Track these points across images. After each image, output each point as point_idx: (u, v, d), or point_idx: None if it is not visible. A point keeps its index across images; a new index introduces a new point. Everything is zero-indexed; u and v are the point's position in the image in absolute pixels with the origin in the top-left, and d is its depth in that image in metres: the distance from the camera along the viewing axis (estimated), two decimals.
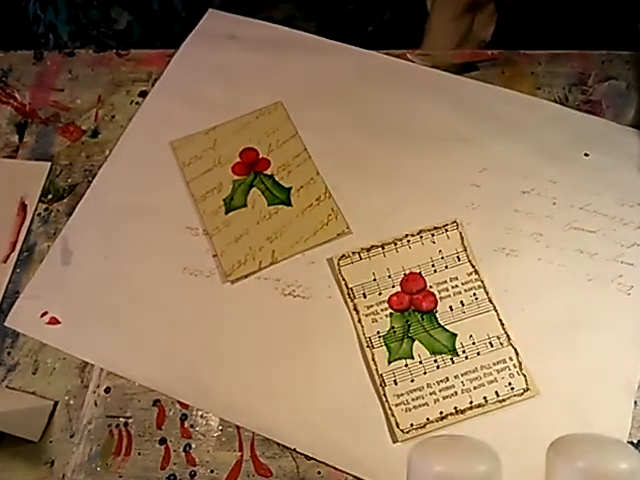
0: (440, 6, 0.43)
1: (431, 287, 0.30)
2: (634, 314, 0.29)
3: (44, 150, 0.37)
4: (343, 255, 0.31)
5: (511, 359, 0.28)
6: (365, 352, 0.29)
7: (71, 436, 0.29)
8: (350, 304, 0.30)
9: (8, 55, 0.41)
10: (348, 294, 0.30)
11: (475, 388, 0.28)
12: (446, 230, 0.31)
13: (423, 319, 0.29)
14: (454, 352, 0.29)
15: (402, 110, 0.36)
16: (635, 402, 0.27)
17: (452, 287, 0.30)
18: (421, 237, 0.31)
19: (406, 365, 0.28)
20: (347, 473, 0.27)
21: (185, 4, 0.43)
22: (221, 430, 0.29)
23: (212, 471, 0.28)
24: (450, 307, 0.30)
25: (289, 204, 0.33)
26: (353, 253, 0.31)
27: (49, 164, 0.37)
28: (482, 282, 0.30)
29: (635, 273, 0.30)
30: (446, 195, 0.33)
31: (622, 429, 0.27)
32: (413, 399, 0.28)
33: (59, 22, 0.45)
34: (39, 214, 0.35)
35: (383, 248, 0.31)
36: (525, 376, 0.28)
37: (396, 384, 0.28)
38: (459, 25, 0.42)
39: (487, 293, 0.30)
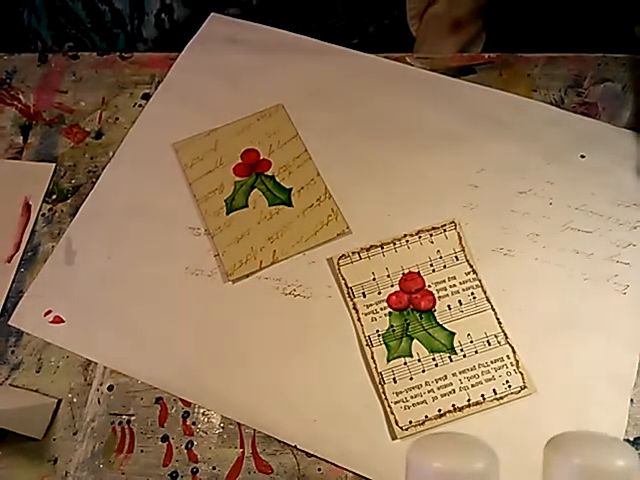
0: (424, 29, 0.43)
1: (429, 286, 0.30)
2: (630, 313, 0.29)
3: (48, 151, 0.38)
4: (343, 255, 0.31)
5: (508, 357, 0.29)
6: (364, 350, 0.29)
7: (74, 434, 0.29)
8: (350, 303, 0.30)
9: (12, 57, 0.42)
10: (348, 293, 0.31)
11: (473, 386, 0.28)
12: (444, 230, 0.32)
13: (422, 318, 0.30)
14: (452, 350, 0.29)
15: (401, 112, 0.36)
16: (631, 400, 0.28)
17: (450, 286, 0.30)
18: (420, 237, 0.32)
19: (405, 363, 0.29)
20: (347, 470, 0.27)
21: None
22: (222, 427, 0.29)
23: (214, 468, 0.28)
24: (448, 306, 0.30)
25: (290, 204, 0.34)
26: (353, 253, 0.31)
27: (53, 165, 0.37)
28: (480, 281, 0.30)
29: (631, 273, 0.30)
30: (445, 195, 0.33)
31: (618, 427, 0.27)
32: (412, 397, 0.28)
33: (41, 28, 0.46)
34: (43, 214, 0.36)
35: (382, 248, 0.31)
36: (522, 374, 0.28)
37: (395, 382, 0.28)
38: (445, 47, 0.42)
39: (485, 292, 0.30)
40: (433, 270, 0.31)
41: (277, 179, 0.35)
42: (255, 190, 0.34)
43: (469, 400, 0.28)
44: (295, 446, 0.28)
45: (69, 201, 0.36)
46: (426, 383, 0.28)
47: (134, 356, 0.30)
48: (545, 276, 0.30)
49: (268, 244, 0.32)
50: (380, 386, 0.28)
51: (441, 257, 0.31)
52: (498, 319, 0.29)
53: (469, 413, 0.28)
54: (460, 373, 0.28)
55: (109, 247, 0.34)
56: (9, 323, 0.32)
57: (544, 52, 0.37)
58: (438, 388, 0.28)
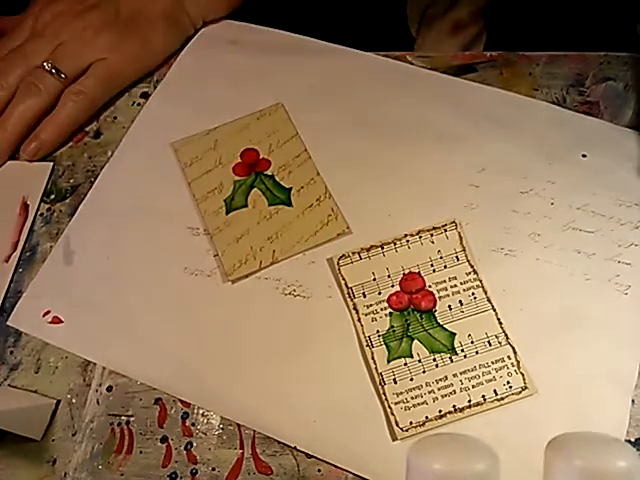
0: (424, 31, 0.43)
1: (430, 287, 0.30)
2: (631, 313, 0.29)
3: None
4: (343, 255, 0.31)
5: (509, 358, 0.29)
6: (365, 351, 0.29)
7: (73, 434, 0.29)
8: (350, 303, 0.30)
9: None
10: (348, 294, 0.30)
11: (474, 387, 0.28)
12: (445, 230, 0.32)
13: (422, 318, 0.30)
14: (453, 351, 0.29)
15: (402, 111, 0.36)
16: (632, 400, 0.28)
17: (451, 287, 0.30)
18: (420, 237, 0.31)
19: (405, 364, 0.29)
20: (347, 471, 0.27)
21: None
22: (222, 428, 0.29)
23: (213, 469, 0.28)
24: (449, 306, 0.30)
25: (289, 204, 0.34)
26: (353, 253, 0.31)
27: (51, 164, 0.37)
28: (481, 282, 0.30)
29: (632, 273, 0.30)
30: (445, 195, 0.33)
31: (619, 427, 0.27)
32: (412, 397, 0.28)
33: None
34: (41, 214, 0.35)
35: (382, 248, 0.31)
36: (523, 375, 0.28)
37: (395, 383, 0.28)
38: (446, 48, 0.42)
39: (485, 292, 0.30)
40: (434, 270, 0.31)
41: (277, 179, 0.34)
42: (255, 190, 0.34)
43: (470, 401, 0.28)
44: (295, 447, 0.28)
45: (67, 201, 0.36)
46: (426, 384, 0.28)
47: (133, 356, 0.30)
48: (546, 276, 0.30)
49: (268, 244, 0.32)
50: (380, 387, 0.28)
51: (442, 257, 0.31)
52: (499, 319, 0.29)
53: (470, 414, 0.27)
54: (461, 374, 0.28)
55: (108, 247, 0.34)
56: (7, 323, 0.32)
57: (546, 51, 0.37)
58: (439, 389, 0.28)
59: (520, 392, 0.28)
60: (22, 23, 0.38)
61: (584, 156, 0.34)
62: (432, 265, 0.31)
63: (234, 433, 0.29)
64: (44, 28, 0.37)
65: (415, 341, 0.29)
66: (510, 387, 0.28)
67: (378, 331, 0.29)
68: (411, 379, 0.28)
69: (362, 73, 0.37)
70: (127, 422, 0.29)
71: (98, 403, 0.30)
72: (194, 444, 0.29)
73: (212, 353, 0.30)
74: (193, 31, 0.40)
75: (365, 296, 0.30)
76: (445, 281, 0.30)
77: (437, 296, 0.30)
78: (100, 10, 0.37)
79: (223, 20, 0.41)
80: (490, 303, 0.30)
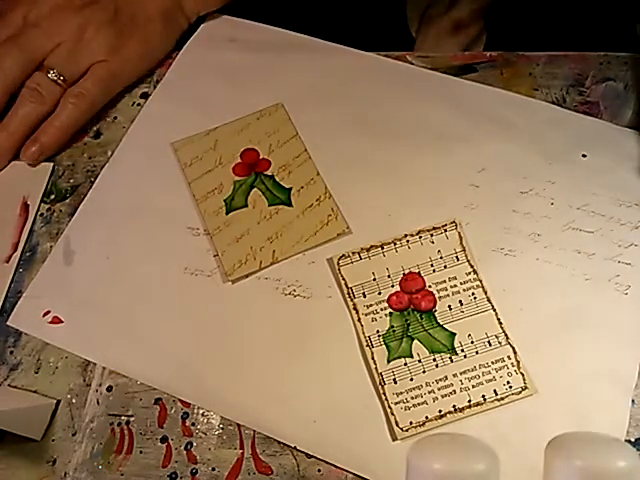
0: (424, 31, 0.43)
1: (430, 287, 0.30)
2: (631, 313, 0.29)
3: None
4: (343, 255, 0.31)
5: (509, 358, 0.29)
6: (365, 351, 0.29)
7: (73, 434, 0.29)
8: (350, 303, 0.30)
9: None
10: (348, 294, 0.30)
11: (474, 387, 0.28)
12: (445, 230, 0.32)
13: (422, 318, 0.30)
14: (453, 351, 0.29)
15: (402, 111, 0.36)
16: (632, 400, 0.28)
17: (451, 287, 0.30)
18: (420, 237, 0.31)
19: (405, 364, 0.29)
20: (347, 471, 0.27)
21: None
22: (222, 428, 0.29)
23: (213, 469, 0.28)
24: (449, 306, 0.30)
25: (289, 204, 0.34)
26: (353, 253, 0.31)
27: (51, 165, 0.37)
28: (481, 282, 0.30)
29: (632, 273, 0.30)
30: (445, 195, 0.33)
31: (619, 427, 0.27)
32: (412, 397, 0.28)
33: None
34: (41, 214, 0.36)
35: (382, 248, 0.31)
36: (523, 375, 0.28)
37: (395, 383, 0.28)
38: (446, 49, 0.42)
39: (485, 292, 0.30)
40: (434, 270, 0.31)
41: (277, 179, 0.34)
42: (255, 190, 0.34)
43: (470, 401, 0.28)
44: (295, 447, 0.28)
45: (67, 201, 0.36)
46: (426, 384, 0.28)
47: (133, 356, 0.30)
48: (546, 276, 0.30)
49: (268, 244, 0.32)
50: (380, 387, 0.28)
51: (442, 257, 0.31)
52: (499, 319, 0.29)
53: (470, 414, 0.28)
54: (461, 374, 0.28)
55: (108, 247, 0.34)
56: (7, 323, 0.32)
57: (546, 51, 0.37)
58: (439, 389, 0.28)
59: (520, 392, 0.28)
60: (15, 8, 0.37)
61: (584, 156, 0.34)
62: (432, 265, 0.31)
63: (234, 433, 0.29)
64: (41, 19, 0.36)
65: (415, 341, 0.29)
66: (510, 387, 0.28)
67: (378, 331, 0.29)
68: (411, 379, 0.28)
69: (362, 73, 0.37)
70: (127, 422, 0.29)
71: (98, 403, 0.30)
72: (194, 444, 0.29)
73: (212, 353, 0.30)
74: (187, 26, 0.40)
75: (365, 296, 0.30)
76: (445, 281, 0.30)
77: (437, 296, 0.30)
78: (99, 6, 0.37)
79: (222, 16, 0.41)
80: (490, 303, 0.30)
